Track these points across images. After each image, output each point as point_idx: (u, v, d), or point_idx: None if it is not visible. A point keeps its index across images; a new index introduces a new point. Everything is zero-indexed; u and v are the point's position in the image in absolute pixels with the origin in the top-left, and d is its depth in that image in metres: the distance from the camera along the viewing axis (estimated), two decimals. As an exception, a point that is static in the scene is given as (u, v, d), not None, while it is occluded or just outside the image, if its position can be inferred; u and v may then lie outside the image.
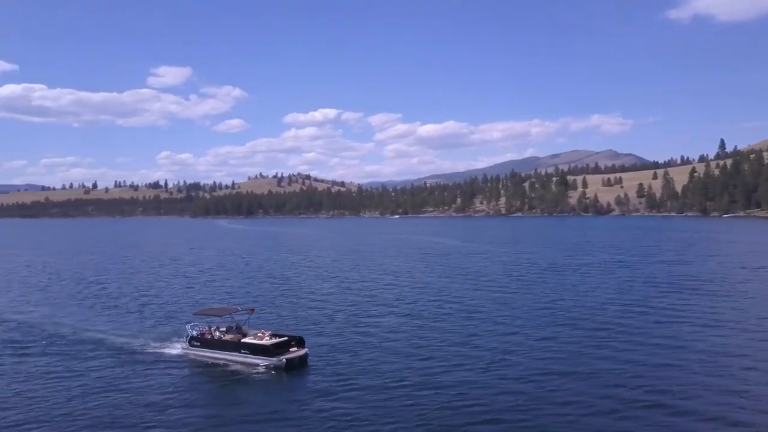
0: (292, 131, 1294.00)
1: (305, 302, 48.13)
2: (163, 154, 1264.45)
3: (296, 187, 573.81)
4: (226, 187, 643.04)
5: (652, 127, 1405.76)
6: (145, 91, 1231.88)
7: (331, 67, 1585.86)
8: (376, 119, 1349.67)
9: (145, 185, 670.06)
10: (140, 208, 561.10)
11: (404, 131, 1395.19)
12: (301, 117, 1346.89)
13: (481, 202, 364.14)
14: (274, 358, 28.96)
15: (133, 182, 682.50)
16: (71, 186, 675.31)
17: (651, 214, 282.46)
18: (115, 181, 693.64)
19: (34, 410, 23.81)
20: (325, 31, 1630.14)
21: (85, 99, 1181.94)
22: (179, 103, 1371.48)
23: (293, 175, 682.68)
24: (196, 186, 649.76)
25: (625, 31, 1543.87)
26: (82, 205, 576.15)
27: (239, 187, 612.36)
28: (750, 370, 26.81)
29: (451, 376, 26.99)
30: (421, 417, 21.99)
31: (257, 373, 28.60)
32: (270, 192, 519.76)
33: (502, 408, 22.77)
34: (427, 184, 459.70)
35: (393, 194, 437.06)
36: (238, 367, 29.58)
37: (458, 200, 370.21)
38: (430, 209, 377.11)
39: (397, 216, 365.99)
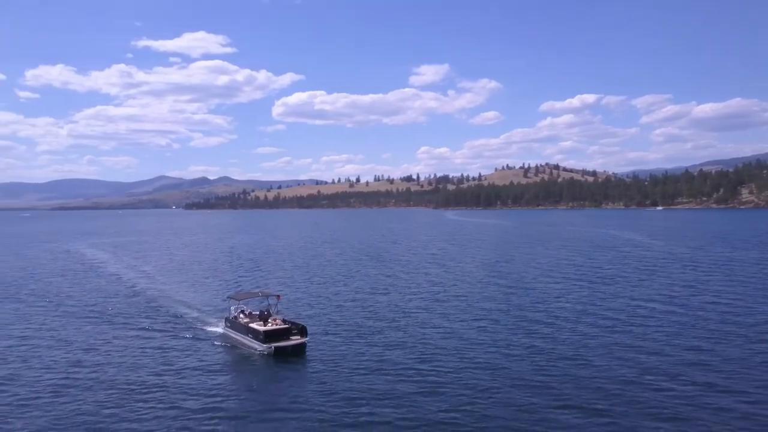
0: (548, 120, 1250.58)
1: (346, 290, 48.62)
2: (423, 149, 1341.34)
3: (543, 178, 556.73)
4: (473, 179, 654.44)
5: None
6: (407, 90, 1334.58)
7: (591, 51, 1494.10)
8: (641, 102, 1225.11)
9: (399, 179, 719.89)
10: (393, 200, 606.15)
11: (675, 113, 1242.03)
12: (558, 105, 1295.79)
13: (750, 192, 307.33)
14: (264, 345, 30.35)
15: (389, 176, 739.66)
16: (339, 180, 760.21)
17: None
18: (375, 176, 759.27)
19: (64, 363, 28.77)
20: (580, 15, 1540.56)
21: (357, 101, 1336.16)
22: (438, 99, 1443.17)
23: (540, 165, 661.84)
24: (444, 178, 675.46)
25: None
26: (347, 197, 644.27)
27: (485, 179, 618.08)
28: None
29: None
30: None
31: (253, 357, 30.05)
32: (512, 183, 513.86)
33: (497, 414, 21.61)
34: (687, 171, 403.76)
35: (646, 183, 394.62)
36: (244, 349, 31.46)
37: (721, 189, 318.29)
38: (684, 200, 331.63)
39: (661, 207, 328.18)
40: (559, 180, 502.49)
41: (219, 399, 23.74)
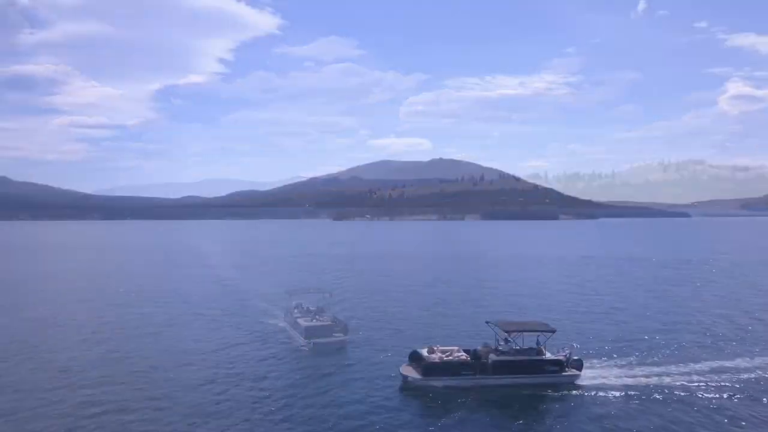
0: None
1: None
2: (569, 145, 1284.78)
3: None
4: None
5: None
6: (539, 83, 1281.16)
7: None
8: None
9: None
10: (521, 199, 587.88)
11: None
12: None
13: None
14: (305, 340, 32.72)
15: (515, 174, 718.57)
16: (463, 179, 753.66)
17: None
18: (499, 174, 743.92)
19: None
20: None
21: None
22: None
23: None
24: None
25: None
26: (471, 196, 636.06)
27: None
28: None
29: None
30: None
31: (298, 351, 32.14)
32: None
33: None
34: None
35: None
36: (294, 342, 33.86)
37: None
38: None
39: None
40: None
41: (244, 386, 25.77)
